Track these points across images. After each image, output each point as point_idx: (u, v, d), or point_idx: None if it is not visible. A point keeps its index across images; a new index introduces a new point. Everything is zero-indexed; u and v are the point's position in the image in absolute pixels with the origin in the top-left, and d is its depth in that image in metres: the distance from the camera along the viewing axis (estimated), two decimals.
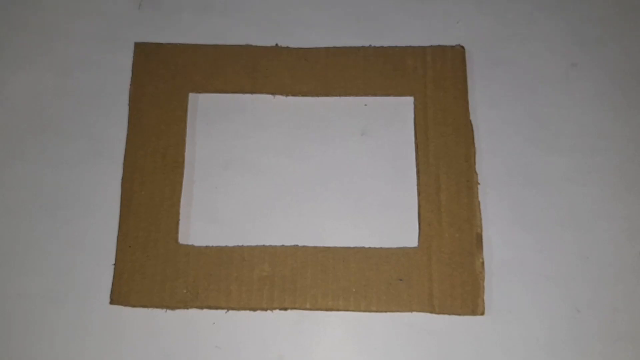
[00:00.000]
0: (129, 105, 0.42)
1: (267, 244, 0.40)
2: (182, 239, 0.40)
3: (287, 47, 0.44)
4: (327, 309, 0.39)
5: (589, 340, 0.38)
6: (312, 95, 0.43)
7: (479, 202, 0.40)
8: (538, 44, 0.44)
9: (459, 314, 0.38)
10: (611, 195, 0.41)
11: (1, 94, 0.43)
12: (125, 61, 0.43)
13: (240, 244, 0.40)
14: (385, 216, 0.41)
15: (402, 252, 0.39)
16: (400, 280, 0.39)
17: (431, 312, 0.38)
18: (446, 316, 0.39)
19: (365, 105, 0.43)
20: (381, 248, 0.40)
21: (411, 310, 0.38)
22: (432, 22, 0.45)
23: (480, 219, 0.40)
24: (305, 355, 0.38)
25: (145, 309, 0.39)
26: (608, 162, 0.41)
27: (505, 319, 0.39)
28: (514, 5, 0.45)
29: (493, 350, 0.38)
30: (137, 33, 0.44)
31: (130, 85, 0.43)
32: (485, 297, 0.38)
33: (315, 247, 0.40)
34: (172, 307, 0.39)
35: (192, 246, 0.40)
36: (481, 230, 0.40)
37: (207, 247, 0.40)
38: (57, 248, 0.40)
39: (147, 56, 0.43)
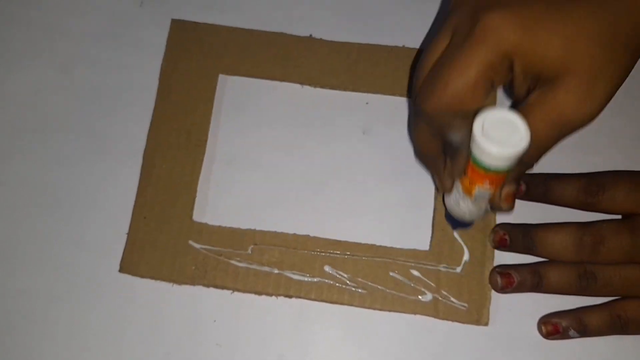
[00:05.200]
0: (159, 79, 0.43)
1: (280, 230, 0.40)
2: (196, 217, 0.40)
3: (321, 39, 0.44)
4: (331, 302, 0.39)
5: (590, 343, 0.38)
6: (341, 89, 0.43)
7: (495, 215, 0.40)
8: None
9: (463, 322, 0.38)
10: None
11: (3, 93, 0.43)
12: (126, 59, 0.44)
13: (253, 228, 0.40)
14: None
15: (412, 254, 0.39)
16: (408, 281, 0.39)
17: (435, 317, 0.38)
18: (449, 322, 0.38)
19: (367, 103, 0.43)
20: (392, 247, 0.40)
21: (415, 313, 0.38)
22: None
23: None
24: (306, 354, 0.38)
25: (152, 281, 0.39)
26: (608, 162, 0.41)
27: (507, 320, 0.39)
28: None
29: (495, 355, 0.38)
30: (138, 31, 0.44)
31: (163, 59, 0.43)
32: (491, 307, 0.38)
33: (326, 239, 0.40)
34: (179, 282, 0.39)
35: (206, 224, 0.40)
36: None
37: (220, 226, 0.40)
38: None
39: (182, 33, 0.44)
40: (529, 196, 0.39)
